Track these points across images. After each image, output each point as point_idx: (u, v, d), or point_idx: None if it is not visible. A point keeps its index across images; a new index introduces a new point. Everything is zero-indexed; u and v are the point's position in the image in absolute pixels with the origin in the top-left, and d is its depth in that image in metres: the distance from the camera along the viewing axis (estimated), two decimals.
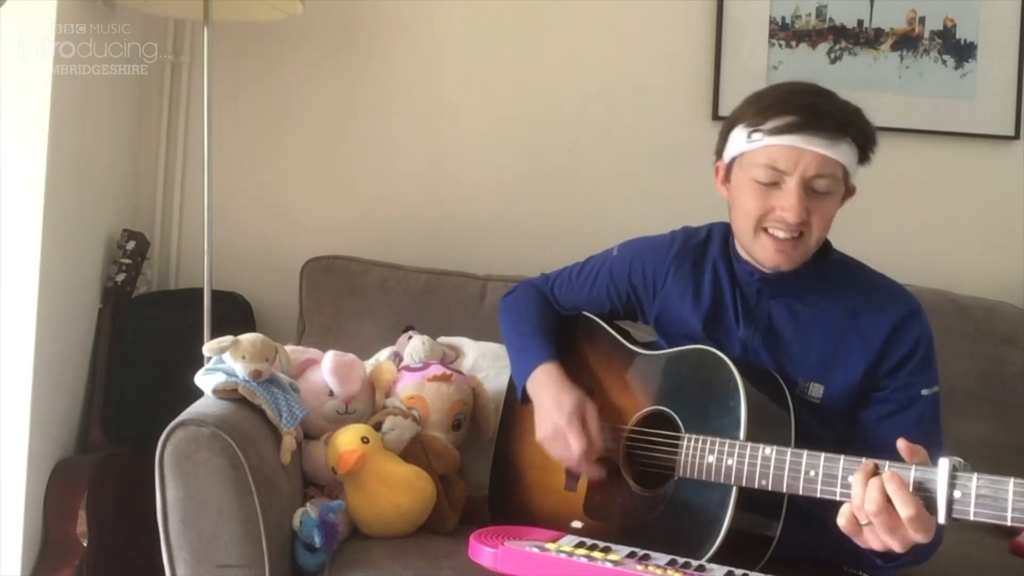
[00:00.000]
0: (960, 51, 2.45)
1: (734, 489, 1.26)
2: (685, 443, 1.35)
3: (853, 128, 1.34)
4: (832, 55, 2.44)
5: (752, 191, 1.37)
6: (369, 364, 1.86)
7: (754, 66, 2.41)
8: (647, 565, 1.23)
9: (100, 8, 2.03)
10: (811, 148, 1.32)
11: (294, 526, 1.51)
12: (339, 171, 2.41)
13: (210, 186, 2.06)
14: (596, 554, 1.26)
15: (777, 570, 1.25)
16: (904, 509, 1.06)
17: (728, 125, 1.43)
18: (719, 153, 1.46)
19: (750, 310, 1.46)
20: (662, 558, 1.27)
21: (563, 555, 1.25)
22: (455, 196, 2.42)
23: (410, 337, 1.95)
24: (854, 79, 2.41)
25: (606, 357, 1.59)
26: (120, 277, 2.14)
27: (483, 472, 1.73)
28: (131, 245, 2.15)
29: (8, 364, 1.84)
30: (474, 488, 1.77)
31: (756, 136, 1.35)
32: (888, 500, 1.07)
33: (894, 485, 1.07)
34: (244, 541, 1.43)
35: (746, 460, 1.25)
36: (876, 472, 1.10)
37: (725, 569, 1.22)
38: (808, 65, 2.41)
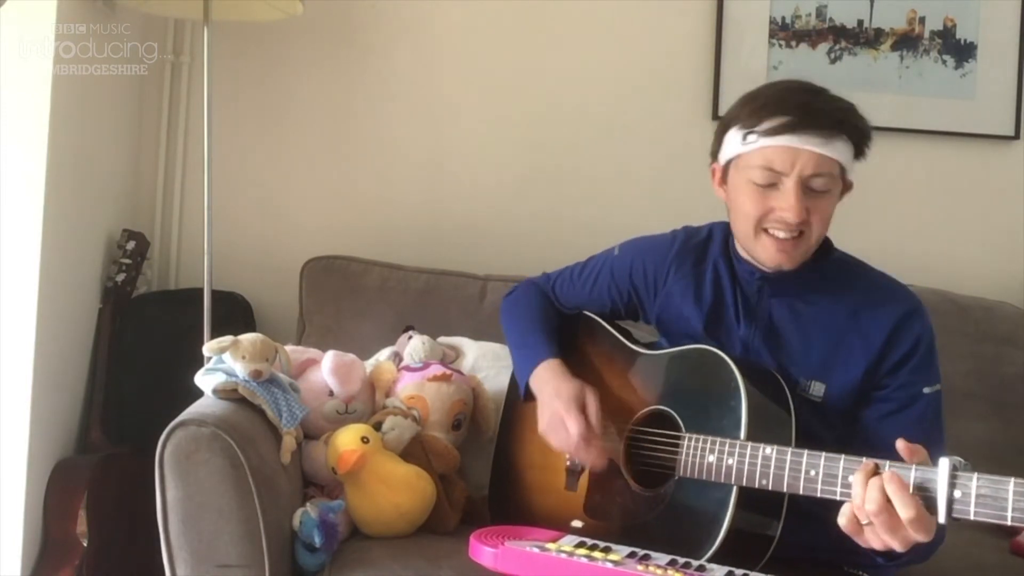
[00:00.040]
0: (960, 51, 2.45)
1: (734, 489, 1.26)
2: (686, 443, 1.34)
3: (848, 125, 1.34)
4: (832, 55, 2.44)
5: (750, 193, 1.37)
6: (369, 364, 1.86)
7: (754, 66, 2.41)
8: (647, 565, 1.23)
9: (100, 8, 2.03)
10: (807, 147, 1.32)
11: (294, 526, 1.51)
12: (339, 171, 2.41)
13: (210, 186, 2.06)
14: (596, 554, 1.26)
15: (777, 570, 1.25)
16: (904, 511, 1.06)
17: (723, 127, 1.43)
18: (714, 155, 1.46)
19: (751, 309, 1.46)
20: (662, 558, 1.27)
21: (563, 555, 1.25)
22: (455, 196, 2.42)
23: (410, 337, 1.95)
24: (854, 79, 2.41)
25: (607, 356, 1.59)
26: (120, 277, 2.14)
27: (483, 472, 1.73)
28: (131, 245, 2.15)
29: (8, 364, 1.84)
30: (474, 488, 1.77)
31: (751, 138, 1.35)
32: (889, 500, 1.07)
33: (894, 486, 1.07)
34: (244, 541, 1.43)
35: (746, 460, 1.25)
36: (876, 472, 1.10)
37: (725, 569, 1.22)
38: (808, 65, 2.41)
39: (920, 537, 1.07)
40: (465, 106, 2.42)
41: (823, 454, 1.17)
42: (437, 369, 1.80)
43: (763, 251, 1.38)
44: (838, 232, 1.44)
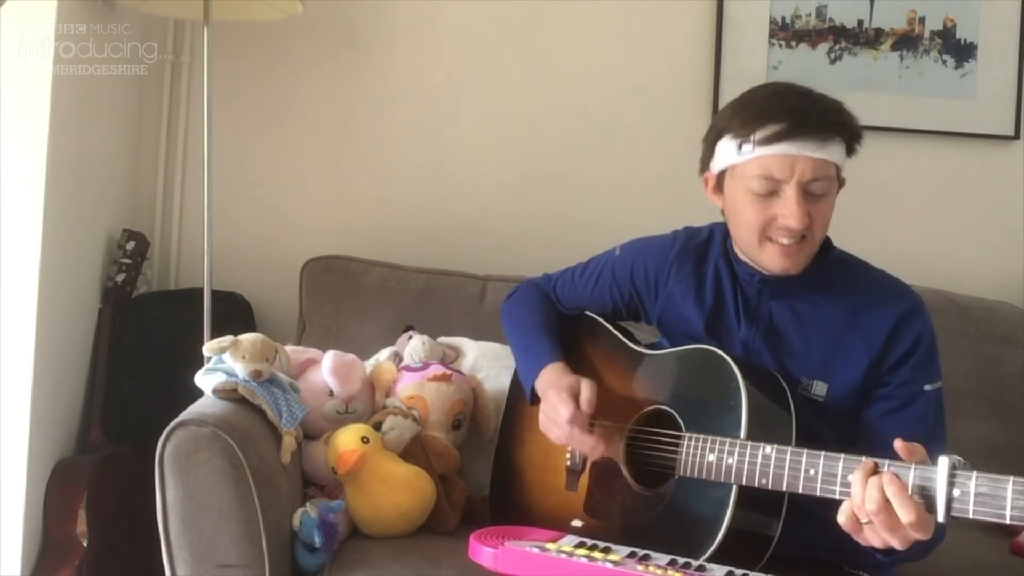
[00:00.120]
0: (960, 51, 2.45)
1: (734, 488, 1.26)
2: (686, 442, 1.34)
3: (839, 126, 1.34)
4: (832, 55, 2.44)
5: (750, 202, 1.36)
6: (369, 364, 1.86)
7: (754, 66, 2.41)
8: (647, 565, 1.23)
9: (100, 8, 2.03)
10: (804, 153, 1.31)
11: (294, 526, 1.51)
12: (339, 171, 2.41)
13: (210, 186, 2.06)
14: (596, 554, 1.26)
15: (777, 570, 1.25)
16: (904, 514, 1.06)
17: (713, 136, 1.42)
18: (705, 163, 1.45)
19: (751, 310, 1.46)
20: (662, 558, 1.27)
21: (563, 555, 1.25)
22: (455, 196, 2.42)
23: (410, 337, 1.95)
24: (854, 79, 2.41)
25: (608, 356, 1.59)
26: (120, 277, 2.14)
27: (483, 472, 1.73)
28: (131, 245, 2.15)
29: (8, 364, 1.84)
30: (474, 488, 1.77)
31: (747, 147, 1.34)
32: (888, 501, 1.07)
33: (894, 488, 1.07)
34: (244, 541, 1.43)
35: (746, 459, 1.25)
36: (876, 471, 1.10)
37: (725, 569, 1.22)
38: (808, 65, 2.41)
39: (919, 536, 1.08)
40: (465, 106, 2.42)
41: (823, 453, 1.17)
42: (437, 369, 1.80)
43: (769, 258, 1.38)
44: (838, 232, 1.44)
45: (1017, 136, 2.46)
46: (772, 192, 1.34)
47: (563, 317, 1.68)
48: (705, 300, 1.49)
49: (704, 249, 1.53)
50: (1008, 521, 1.00)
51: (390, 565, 1.47)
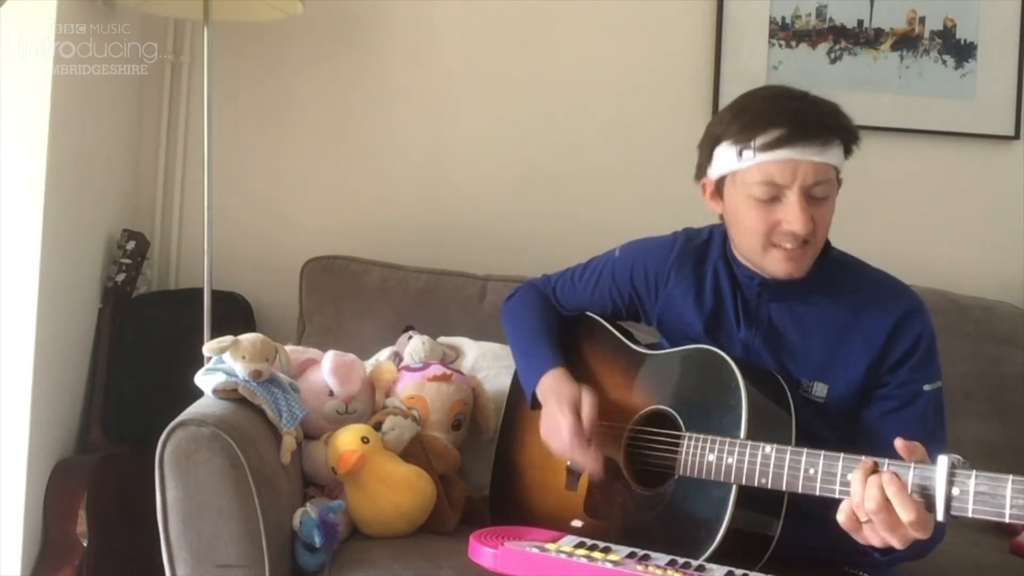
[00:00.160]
0: (960, 51, 2.45)
1: (734, 488, 1.26)
2: (685, 442, 1.34)
3: (838, 128, 1.35)
4: (832, 55, 2.44)
5: (752, 208, 1.36)
6: (369, 364, 1.86)
7: (754, 66, 2.41)
8: (647, 565, 1.23)
9: (100, 8, 2.03)
10: (805, 158, 1.31)
11: (294, 526, 1.51)
12: (339, 171, 2.41)
13: (210, 186, 2.06)
14: (596, 554, 1.26)
15: (777, 570, 1.25)
16: (904, 514, 1.06)
17: (711, 142, 1.42)
18: (702, 170, 1.45)
19: (751, 312, 1.46)
20: (662, 558, 1.27)
21: (563, 555, 1.25)
22: (455, 196, 2.42)
23: (410, 337, 1.95)
24: (854, 79, 2.42)
25: (608, 356, 1.59)
26: (120, 277, 2.14)
27: (483, 472, 1.73)
28: (131, 245, 2.15)
29: (8, 364, 1.84)
30: (474, 488, 1.77)
31: (747, 154, 1.34)
32: (888, 500, 1.07)
33: (893, 488, 1.07)
34: (244, 541, 1.43)
35: (746, 458, 1.25)
36: (875, 470, 1.10)
37: (725, 569, 1.22)
38: (808, 65, 2.41)
39: (919, 535, 1.08)
40: (465, 106, 2.42)
41: (822, 452, 1.17)
42: (437, 369, 1.80)
43: (773, 264, 1.38)
44: (838, 232, 1.44)
45: (1017, 136, 2.46)
46: (774, 198, 1.34)
47: (563, 319, 1.68)
48: (705, 302, 1.49)
49: (703, 251, 1.53)
50: (1007, 520, 1.00)
51: (390, 565, 1.47)
